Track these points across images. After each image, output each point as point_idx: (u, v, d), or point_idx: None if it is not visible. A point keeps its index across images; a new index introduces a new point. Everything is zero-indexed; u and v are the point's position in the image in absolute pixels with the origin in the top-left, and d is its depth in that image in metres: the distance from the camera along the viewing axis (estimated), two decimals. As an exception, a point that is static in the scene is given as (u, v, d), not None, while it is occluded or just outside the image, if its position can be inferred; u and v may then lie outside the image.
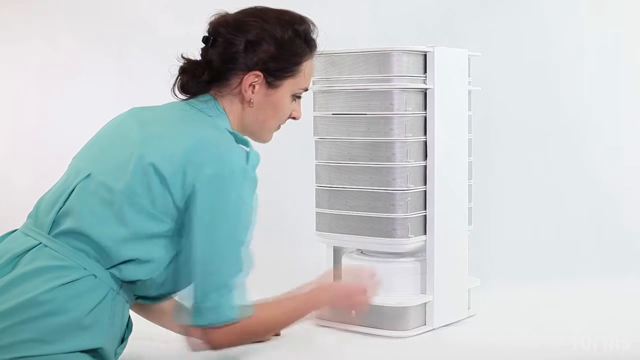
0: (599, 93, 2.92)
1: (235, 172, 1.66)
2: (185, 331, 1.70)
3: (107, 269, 1.65)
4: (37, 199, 1.78)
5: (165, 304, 1.97)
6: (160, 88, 1.94)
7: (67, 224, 1.66)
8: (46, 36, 3.21)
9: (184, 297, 1.71)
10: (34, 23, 3.22)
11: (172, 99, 1.85)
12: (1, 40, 3.26)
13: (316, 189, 2.20)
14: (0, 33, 3.26)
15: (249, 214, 1.68)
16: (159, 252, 1.69)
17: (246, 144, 1.74)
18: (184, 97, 1.82)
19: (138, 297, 1.76)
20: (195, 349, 1.71)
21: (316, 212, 2.20)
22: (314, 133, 2.20)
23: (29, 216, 1.76)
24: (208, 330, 1.66)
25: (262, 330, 1.78)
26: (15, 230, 1.75)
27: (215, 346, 1.70)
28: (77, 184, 1.70)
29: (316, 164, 2.20)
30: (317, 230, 2.20)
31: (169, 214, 1.67)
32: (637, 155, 2.90)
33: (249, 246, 1.68)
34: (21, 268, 1.62)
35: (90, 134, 1.87)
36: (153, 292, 1.73)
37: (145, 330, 1.97)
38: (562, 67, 2.92)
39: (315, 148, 2.20)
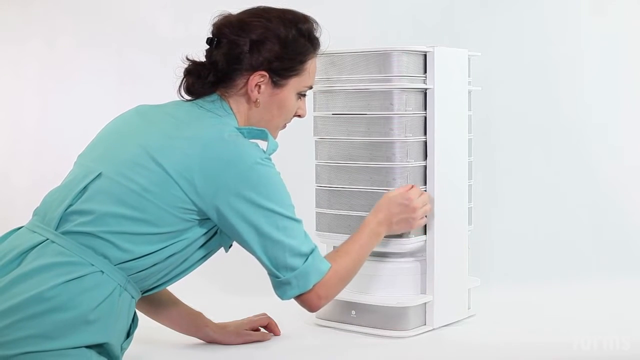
0: (599, 93, 2.91)
1: (256, 163, 1.70)
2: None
3: (115, 265, 1.66)
4: (41, 197, 1.78)
5: (167, 304, 1.97)
6: (160, 88, 1.94)
7: (78, 223, 1.67)
8: (46, 37, 3.21)
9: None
10: (33, 23, 3.22)
11: (173, 99, 1.85)
12: (1, 40, 3.25)
13: (316, 189, 2.20)
14: (0, 33, 3.25)
15: (281, 186, 1.75)
16: (170, 249, 1.70)
17: (263, 136, 1.78)
18: (190, 99, 1.83)
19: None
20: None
21: (316, 212, 2.20)
22: (314, 133, 2.20)
23: (35, 213, 1.76)
24: (303, 297, 1.78)
25: (346, 277, 1.86)
26: (21, 227, 1.75)
27: (314, 309, 1.81)
28: (89, 184, 1.70)
29: (316, 164, 2.20)
30: (317, 230, 2.20)
31: (181, 212, 1.68)
32: (637, 155, 2.89)
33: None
34: (27, 264, 1.63)
35: (91, 134, 1.87)
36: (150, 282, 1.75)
37: (151, 326, 1.98)
38: (562, 67, 2.92)
39: (315, 148, 2.20)
